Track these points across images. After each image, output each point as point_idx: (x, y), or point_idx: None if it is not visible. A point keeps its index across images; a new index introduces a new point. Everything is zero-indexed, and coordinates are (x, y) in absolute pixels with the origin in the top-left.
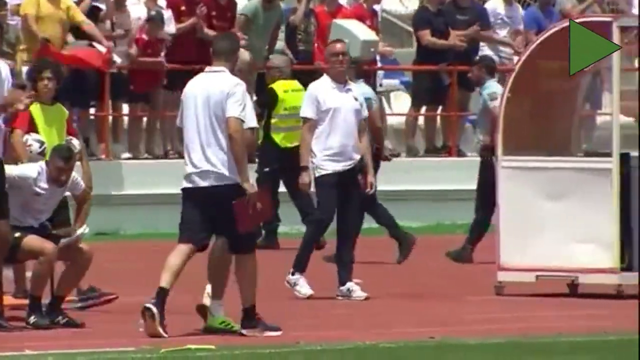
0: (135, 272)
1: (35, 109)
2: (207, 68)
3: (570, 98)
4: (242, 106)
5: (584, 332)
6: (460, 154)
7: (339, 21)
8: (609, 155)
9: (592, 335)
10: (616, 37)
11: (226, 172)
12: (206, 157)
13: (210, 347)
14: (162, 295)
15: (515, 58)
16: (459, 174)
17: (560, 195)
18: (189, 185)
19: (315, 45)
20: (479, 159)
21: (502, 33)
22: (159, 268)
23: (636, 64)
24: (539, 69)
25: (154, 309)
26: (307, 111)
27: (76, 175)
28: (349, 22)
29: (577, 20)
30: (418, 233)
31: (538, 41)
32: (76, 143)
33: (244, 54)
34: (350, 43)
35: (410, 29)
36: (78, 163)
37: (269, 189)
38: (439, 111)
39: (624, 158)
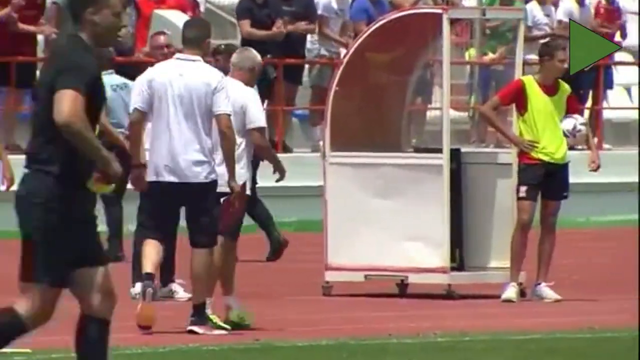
0: None
1: None
2: (178, 55)
3: (400, 92)
4: (229, 101)
5: (413, 333)
6: (287, 149)
7: (159, 12)
8: (439, 151)
9: (421, 337)
10: (446, 29)
11: (199, 169)
12: (177, 152)
13: (26, 350)
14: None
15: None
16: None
17: (390, 192)
18: (154, 179)
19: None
20: (305, 154)
21: (335, 27)
22: None
23: (467, 57)
24: (368, 62)
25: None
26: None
27: None
28: (170, 13)
29: (408, 12)
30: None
31: (367, 33)
32: None
33: (257, 56)
34: (172, 35)
35: (234, 20)
36: None
37: (244, 189)
38: (264, 105)
39: (455, 154)
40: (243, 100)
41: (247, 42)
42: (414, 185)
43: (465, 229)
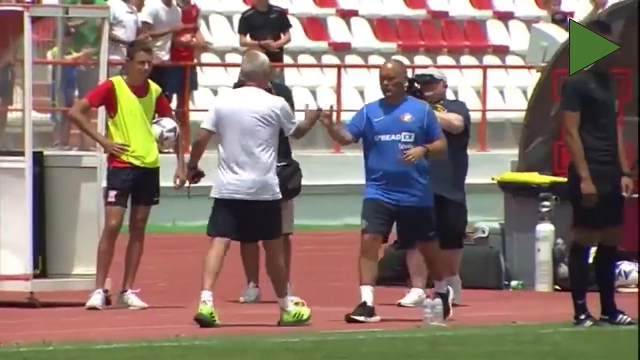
0: None
1: None
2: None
3: None
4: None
5: None
6: None
7: None
8: (21, 154)
9: (3, 348)
10: (28, 28)
11: None
12: None
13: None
14: None
15: None
16: None
17: None
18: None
19: None
20: None
21: None
22: None
23: (50, 57)
24: None
25: None
26: None
27: None
28: None
29: None
30: None
31: None
32: None
33: (266, 58)
34: None
35: None
36: None
37: None
38: None
39: (38, 157)
40: (278, 110)
41: None
42: None
43: (49, 234)
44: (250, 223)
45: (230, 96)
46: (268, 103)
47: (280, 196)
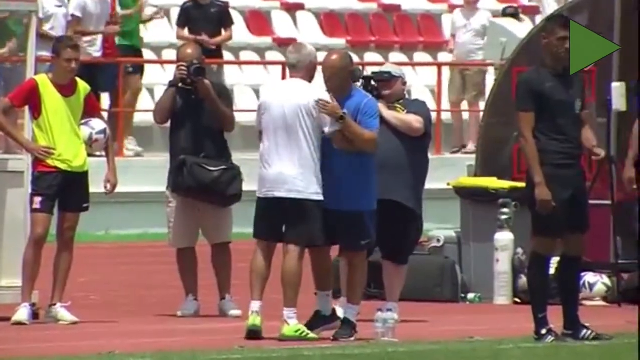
0: None
1: None
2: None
3: None
4: None
5: None
6: None
7: None
8: None
9: None
10: None
11: None
12: None
13: None
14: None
15: None
16: None
17: None
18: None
19: None
20: None
21: None
22: None
23: None
24: None
25: None
26: None
27: None
28: None
29: None
30: None
31: None
32: None
33: (314, 50)
34: None
35: None
36: None
37: None
38: None
39: None
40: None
41: None
42: None
43: None
44: (287, 222)
45: (273, 88)
46: (311, 95)
47: (322, 197)
